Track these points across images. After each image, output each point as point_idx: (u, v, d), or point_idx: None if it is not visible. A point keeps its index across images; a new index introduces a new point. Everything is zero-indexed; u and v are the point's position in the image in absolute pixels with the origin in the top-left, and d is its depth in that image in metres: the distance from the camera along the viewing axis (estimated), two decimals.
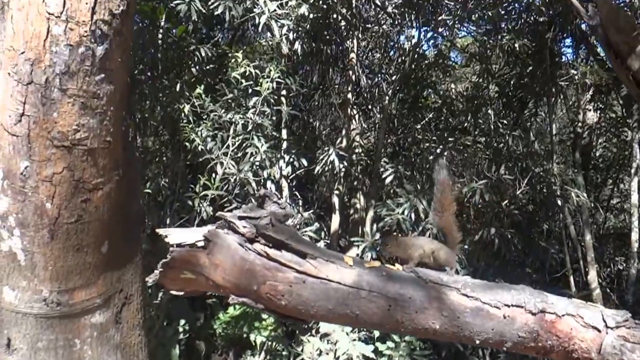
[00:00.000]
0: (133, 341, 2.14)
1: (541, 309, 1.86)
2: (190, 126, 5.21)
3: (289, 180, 6.31)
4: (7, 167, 1.87)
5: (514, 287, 1.93)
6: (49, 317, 1.96)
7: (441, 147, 6.22)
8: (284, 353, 5.12)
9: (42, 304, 1.94)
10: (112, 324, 2.07)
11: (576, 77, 7.25)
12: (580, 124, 8.20)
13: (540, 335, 1.85)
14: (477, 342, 1.85)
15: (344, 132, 7.33)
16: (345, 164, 6.42)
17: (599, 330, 1.84)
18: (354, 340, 5.00)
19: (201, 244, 1.88)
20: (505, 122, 6.77)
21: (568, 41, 7.77)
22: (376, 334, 4.90)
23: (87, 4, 1.73)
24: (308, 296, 1.84)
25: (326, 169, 6.33)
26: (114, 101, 1.88)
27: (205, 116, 5.41)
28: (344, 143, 7.08)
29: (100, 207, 1.95)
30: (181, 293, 1.97)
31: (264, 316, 5.29)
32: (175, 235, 1.89)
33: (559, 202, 6.68)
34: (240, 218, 1.93)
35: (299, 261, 1.86)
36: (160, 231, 1.87)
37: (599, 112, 8.31)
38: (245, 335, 5.28)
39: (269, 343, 5.18)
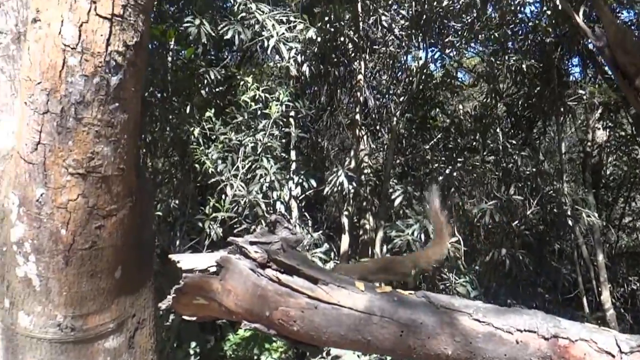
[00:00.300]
0: None
1: (554, 334, 1.84)
2: (200, 148, 5.25)
3: (298, 201, 6.33)
4: (23, 194, 1.91)
5: (526, 312, 1.92)
6: (63, 342, 1.97)
7: (450, 167, 6.22)
8: None
9: (56, 329, 1.95)
10: (125, 349, 2.08)
11: (584, 96, 7.26)
12: (589, 143, 8.18)
13: None
14: None
15: (352, 152, 7.35)
16: (354, 184, 6.43)
17: (613, 356, 1.82)
18: None
19: (213, 269, 1.90)
20: (514, 141, 6.76)
21: (575, 60, 7.81)
22: (388, 357, 4.85)
23: (102, 35, 1.77)
24: (320, 322, 1.84)
25: (335, 190, 6.33)
26: (127, 129, 1.91)
27: (215, 137, 5.46)
28: (353, 164, 7.10)
29: (114, 233, 1.97)
30: (194, 318, 1.98)
31: (274, 338, 5.26)
32: (187, 261, 1.91)
33: (570, 222, 6.64)
34: (252, 243, 1.95)
35: (310, 287, 1.87)
36: (173, 256, 1.89)
37: (608, 130, 8.29)
38: (255, 357, 5.26)
39: None
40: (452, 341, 1.82)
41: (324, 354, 5.14)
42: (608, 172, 9.24)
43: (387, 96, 8.08)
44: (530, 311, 1.92)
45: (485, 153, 6.89)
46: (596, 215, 6.54)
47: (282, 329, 1.87)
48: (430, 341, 1.83)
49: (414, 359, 1.84)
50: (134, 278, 2.13)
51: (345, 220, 6.91)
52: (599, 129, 8.37)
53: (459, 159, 6.42)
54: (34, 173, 1.87)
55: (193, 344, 5.34)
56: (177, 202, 5.94)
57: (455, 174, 6.19)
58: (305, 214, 6.57)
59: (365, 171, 7.26)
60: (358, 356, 4.95)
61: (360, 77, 7.22)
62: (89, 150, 1.85)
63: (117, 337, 2.06)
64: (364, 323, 1.83)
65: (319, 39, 6.01)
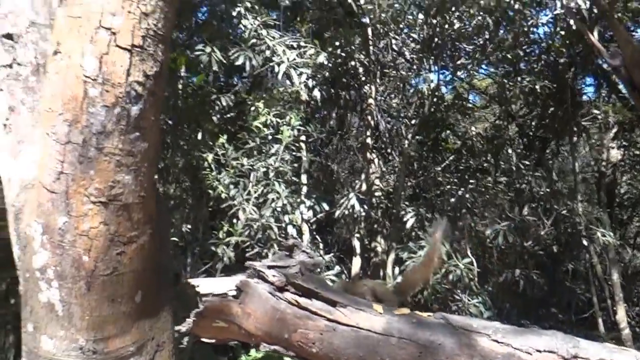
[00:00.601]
0: None
1: (574, 355, 1.83)
2: (212, 174, 5.31)
3: (309, 224, 6.34)
4: (46, 223, 1.94)
5: (545, 332, 1.91)
6: None
7: (462, 189, 6.23)
8: None
9: (78, 352, 1.97)
10: None
11: (599, 116, 7.27)
12: (604, 163, 8.16)
13: None
14: None
15: (363, 175, 7.38)
16: (366, 207, 6.44)
17: None
18: None
19: (232, 293, 1.92)
20: (527, 162, 6.76)
21: (589, 80, 7.83)
22: None
23: (122, 66, 1.82)
24: (339, 344, 1.85)
25: (346, 212, 6.35)
26: (147, 158, 1.94)
27: (226, 163, 5.51)
28: (364, 187, 7.12)
29: (135, 259, 2.00)
30: (213, 340, 2.00)
31: (287, 358, 5.25)
32: (206, 285, 1.93)
33: (585, 242, 6.60)
34: (270, 267, 1.97)
35: (329, 309, 1.88)
36: (192, 281, 1.92)
37: (622, 149, 8.27)
38: None
39: None
40: None
41: None
42: (622, 191, 9.19)
43: (398, 119, 8.13)
44: (550, 332, 1.92)
45: (497, 174, 6.89)
46: (611, 234, 6.49)
47: (301, 350, 1.88)
48: None
49: None
50: (153, 302, 2.15)
51: (356, 243, 6.92)
52: (614, 148, 8.36)
53: (470, 180, 6.43)
54: (57, 202, 1.90)
55: None
56: (189, 227, 5.98)
57: (467, 195, 6.18)
58: (317, 236, 6.58)
59: (377, 194, 7.27)
60: None
61: (371, 100, 7.28)
62: (111, 179, 1.88)
63: (137, 359, 2.08)
64: (383, 344, 1.84)
65: (329, 64, 6.08)
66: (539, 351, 1.84)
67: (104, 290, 1.95)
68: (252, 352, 5.54)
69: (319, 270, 5.54)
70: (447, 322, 1.92)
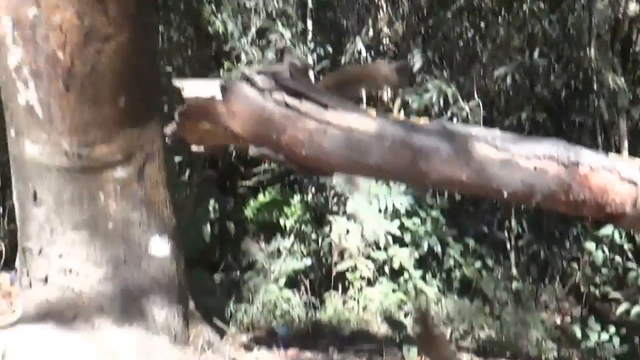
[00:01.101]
0: (157, 198, 2.15)
1: (574, 162, 1.75)
2: (211, 9, 5.07)
3: (314, 71, 6.19)
4: (16, 17, 1.83)
5: (547, 139, 1.82)
6: (71, 171, 1.97)
7: (472, 31, 5.96)
8: (312, 236, 5.18)
9: (63, 156, 1.95)
10: (135, 180, 2.08)
11: None
12: (620, 14, 7.72)
13: (572, 188, 1.75)
14: (505, 194, 1.78)
15: (370, 21, 7.07)
16: (372, 53, 6.23)
17: (636, 184, 1.75)
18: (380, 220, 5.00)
19: (219, 97, 1.81)
20: (541, 5, 6.37)
21: None
22: (402, 210, 4.90)
23: None
24: (329, 146, 1.77)
25: (353, 59, 6.15)
26: None
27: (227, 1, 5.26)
28: (371, 33, 6.85)
29: (114, 58, 1.90)
30: (201, 147, 1.93)
31: (293, 202, 5.34)
32: (190, 88, 1.82)
33: (595, 87, 6.42)
34: (259, 73, 1.85)
35: (319, 111, 1.77)
36: (176, 82, 1.80)
37: None
38: (275, 221, 5.34)
39: (298, 226, 5.22)
40: (467, 167, 1.75)
41: (340, 213, 5.19)
42: (638, 49, 8.81)
43: None
44: (552, 139, 1.83)
45: (510, 19, 6.55)
46: (622, 79, 6.27)
47: (290, 153, 1.80)
48: (443, 167, 1.75)
49: (426, 185, 1.79)
50: (139, 110, 2.08)
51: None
52: (633, 1, 7.86)
53: (481, 24, 6.12)
54: None
55: (212, 202, 5.39)
56: (191, 70, 5.84)
57: (477, 38, 5.93)
58: None
59: (384, 41, 7.01)
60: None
61: None
62: None
63: (125, 167, 2.05)
64: (375, 148, 1.75)
65: None
66: (538, 157, 1.76)
67: (83, 90, 1.87)
68: (260, 196, 5.59)
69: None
70: (444, 128, 1.83)
